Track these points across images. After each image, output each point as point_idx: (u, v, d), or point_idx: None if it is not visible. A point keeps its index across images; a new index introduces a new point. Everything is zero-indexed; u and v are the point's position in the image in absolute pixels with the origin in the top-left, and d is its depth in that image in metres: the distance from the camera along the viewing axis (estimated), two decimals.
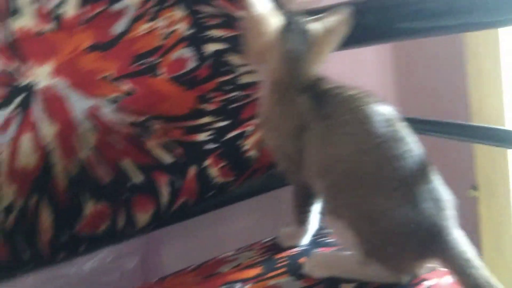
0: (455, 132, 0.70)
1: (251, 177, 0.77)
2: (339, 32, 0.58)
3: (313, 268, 0.56)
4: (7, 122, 0.60)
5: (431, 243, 0.48)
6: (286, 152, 0.59)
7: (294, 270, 0.59)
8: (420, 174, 0.50)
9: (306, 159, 0.56)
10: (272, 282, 0.58)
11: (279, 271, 0.60)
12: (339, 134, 0.53)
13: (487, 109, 0.90)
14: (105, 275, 0.69)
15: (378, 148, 0.51)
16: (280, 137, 0.59)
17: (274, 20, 0.57)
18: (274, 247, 0.67)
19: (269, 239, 0.70)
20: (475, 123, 0.94)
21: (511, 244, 0.93)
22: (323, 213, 0.59)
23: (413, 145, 0.51)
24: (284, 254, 0.64)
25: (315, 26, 0.57)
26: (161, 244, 0.78)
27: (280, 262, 0.62)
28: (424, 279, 0.53)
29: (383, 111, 0.53)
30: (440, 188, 0.50)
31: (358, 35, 0.60)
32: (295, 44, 0.55)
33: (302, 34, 0.56)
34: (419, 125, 0.62)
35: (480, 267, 0.47)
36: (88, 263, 0.68)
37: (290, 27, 0.56)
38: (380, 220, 0.50)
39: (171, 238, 0.78)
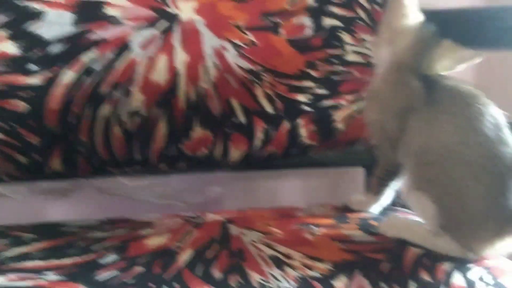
0: None
1: (331, 148, 0.83)
2: (465, 62, 0.62)
3: (388, 227, 0.63)
4: (150, 41, 0.69)
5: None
6: (386, 128, 0.65)
7: (366, 228, 0.66)
8: None
9: (405, 138, 0.62)
10: (345, 231, 0.64)
11: (351, 226, 0.67)
12: (446, 122, 0.58)
13: None
14: (191, 195, 0.77)
15: (481, 145, 0.56)
16: (384, 114, 0.65)
17: (415, 12, 0.64)
18: (345, 209, 0.74)
19: (338, 203, 0.77)
20: None
21: None
22: (406, 188, 0.64)
23: None
24: (355, 215, 0.71)
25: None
26: (242, 185, 0.86)
27: (352, 220, 0.69)
28: (486, 260, 0.58)
29: (493, 114, 0.58)
30: None
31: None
32: (432, 35, 0.62)
33: (439, 34, 0.62)
34: None
35: None
36: (180, 182, 0.77)
37: (431, 22, 0.62)
38: (466, 199, 0.56)
39: (251, 182, 0.86)
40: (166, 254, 0.58)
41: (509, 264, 0.59)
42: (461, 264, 0.56)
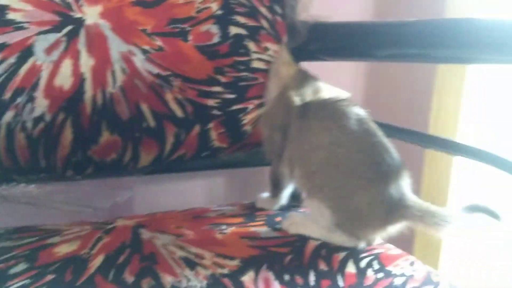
0: (411, 138, 0.83)
1: (240, 149, 0.87)
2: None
3: (290, 225, 0.68)
4: (54, 45, 0.68)
5: (395, 211, 0.62)
6: (273, 141, 0.74)
7: (271, 224, 0.71)
8: (387, 161, 0.63)
9: (287, 150, 0.70)
10: (253, 229, 0.69)
11: (258, 223, 0.71)
12: (317, 127, 0.67)
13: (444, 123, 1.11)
14: (99, 200, 0.77)
15: (351, 141, 0.64)
16: (271, 129, 0.75)
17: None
18: (253, 207, 0.78)
19: (248, 202, 0.81)
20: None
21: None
22: (302, 197, 0.71)
23: (382, 139, 0.65)
24: (262, 213, 0.75)
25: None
26: (152, 187, 0.86)
27: (259, 217, 0.73)
28: (374, 248, 0.66)
29: (357, 112, 0.67)
30: (403, 173, 0.64)
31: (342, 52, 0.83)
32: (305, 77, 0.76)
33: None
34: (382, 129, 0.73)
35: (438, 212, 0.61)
36: (88, 186, 0.75)
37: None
38: (353, 196, 0.63)
39: (161, 184, 0.87)
40: (77, 261, 0.58)
41: (393, 250, 0.67)
42: (354, 253, 0.63)
